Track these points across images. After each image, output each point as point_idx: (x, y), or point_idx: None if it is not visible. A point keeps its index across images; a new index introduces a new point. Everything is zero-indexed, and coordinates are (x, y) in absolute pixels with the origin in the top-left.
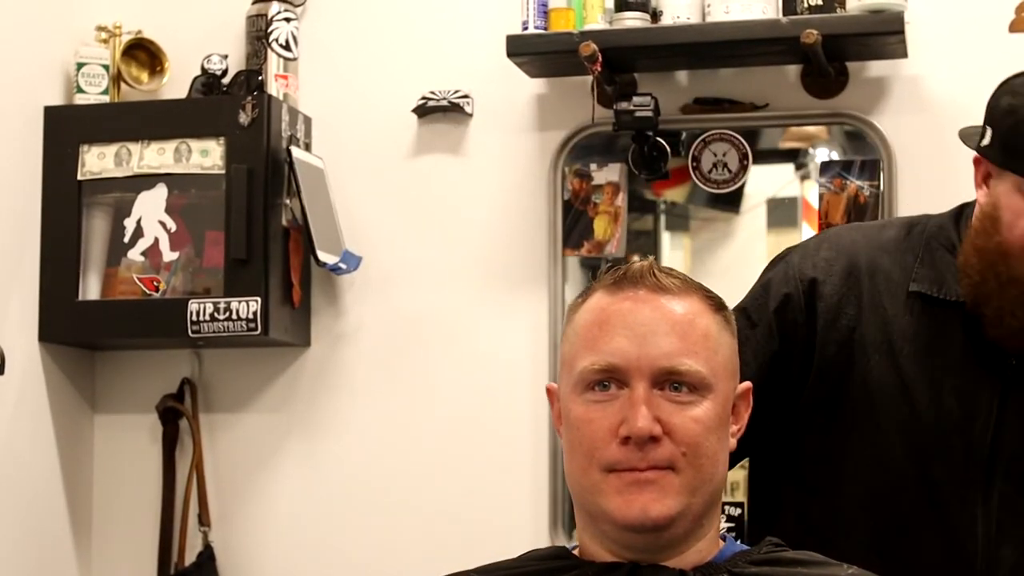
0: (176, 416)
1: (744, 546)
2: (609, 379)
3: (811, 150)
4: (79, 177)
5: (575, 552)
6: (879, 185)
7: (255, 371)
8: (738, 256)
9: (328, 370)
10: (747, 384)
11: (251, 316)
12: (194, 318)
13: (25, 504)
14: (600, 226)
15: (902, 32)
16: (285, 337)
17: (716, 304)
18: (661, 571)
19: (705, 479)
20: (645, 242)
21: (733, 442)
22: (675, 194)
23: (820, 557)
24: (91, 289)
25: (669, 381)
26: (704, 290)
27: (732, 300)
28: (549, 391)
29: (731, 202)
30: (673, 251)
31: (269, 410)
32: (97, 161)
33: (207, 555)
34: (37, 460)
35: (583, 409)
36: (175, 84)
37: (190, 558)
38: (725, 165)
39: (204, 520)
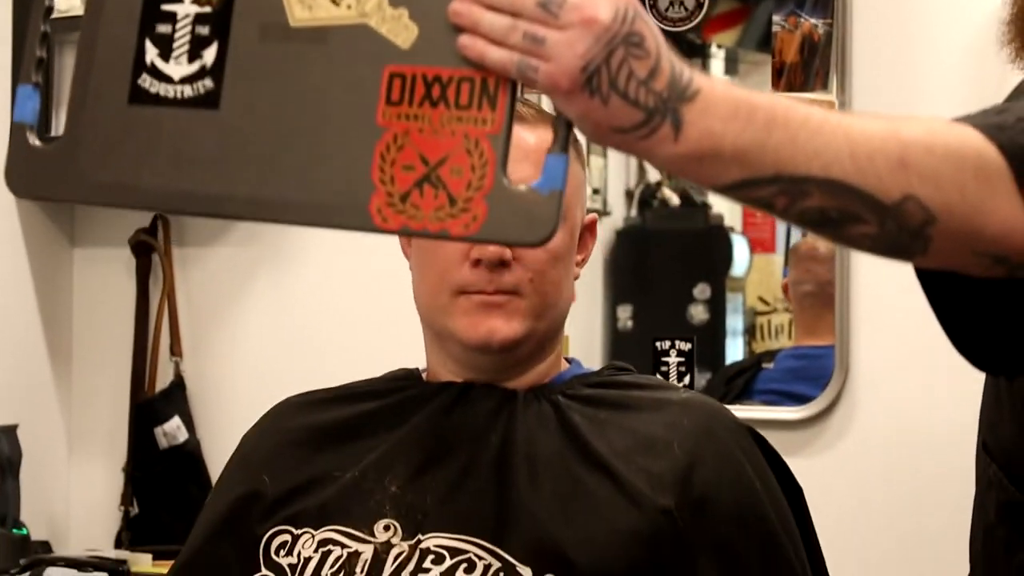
0: (148, 250)
1: (588, 369)
2: None
3: None
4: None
5: (423, 375)
6: (833, 23)
7: None
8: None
9: None
10: (593, 216)
11: None
12: None
13: (4, 337)
14: None
15: None
16: None
17: None
18: (493, 390)
19: (549, 304)
20: None
21: (578, 271)
22: (726, 38)
23: (660, 381)
24: (63, 125)
25: None
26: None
27: None
28: None
29: None
30: None
31: (239, 243)
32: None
33: (177, 384)
34: (14, 294)
35: None
36: None
37: (161, 387)
38: (681, 3)
39: (175, 351)
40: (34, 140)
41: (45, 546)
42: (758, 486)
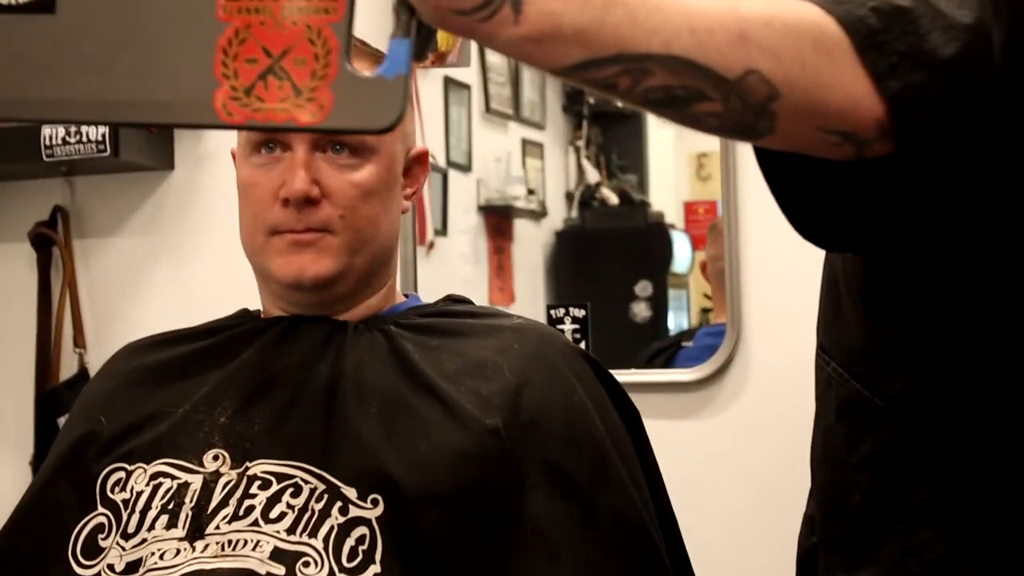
0: (48, 243)
1: (425, 302)
2: (273, 141)
3: None
4: None
5: (261, 314)
6: None
7: (125, 196)
8: None
9: (193, 192)
10: (423, 147)
11: (100, 138)
12: (47, 142)
13: None
14: (442, 37)
15: None
16: (144, 160)
17: None
18: (323, 323)
19: (365, 239)
20: None
21: (406, 204)
22: None
23: (496, 310)
24: None
25: (331, 143)
26: (375, 53)
27: None
28: (233, 154)
29: None
30: None
31: (139, 233)
32: None
33: (81, 375)
34: None
35: (249, 172)
36: None
37: (65, 379)
38: None
39: (79, 342)
40: None
41: None
42: (590, 408)
